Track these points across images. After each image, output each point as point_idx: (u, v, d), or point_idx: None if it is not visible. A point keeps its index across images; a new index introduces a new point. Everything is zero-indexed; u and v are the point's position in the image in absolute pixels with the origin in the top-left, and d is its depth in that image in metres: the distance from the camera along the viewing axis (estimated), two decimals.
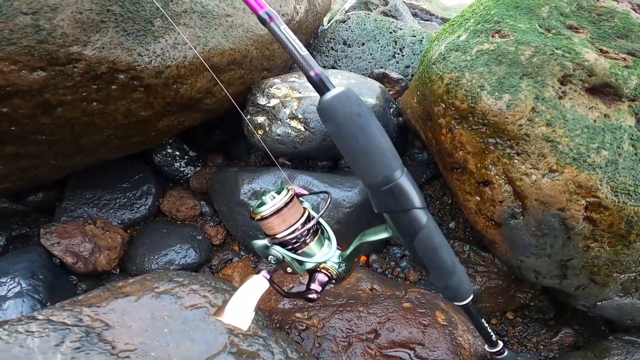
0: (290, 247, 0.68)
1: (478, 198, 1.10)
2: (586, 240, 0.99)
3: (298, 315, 1.02)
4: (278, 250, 0.67)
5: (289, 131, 1.26)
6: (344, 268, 0.72)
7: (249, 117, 1.32)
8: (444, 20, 3.83)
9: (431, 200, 1.53)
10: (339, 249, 0.73)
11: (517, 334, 1.31)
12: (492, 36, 1.09)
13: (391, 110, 1.46)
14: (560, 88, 1.00)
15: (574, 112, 0.97)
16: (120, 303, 0.77)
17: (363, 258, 1.38)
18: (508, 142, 1.00)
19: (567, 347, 1.26)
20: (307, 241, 0.69)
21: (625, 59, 1.04)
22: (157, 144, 1.47)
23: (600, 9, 1.13)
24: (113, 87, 0.97)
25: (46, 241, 1.18)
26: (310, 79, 0.58)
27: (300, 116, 1.26)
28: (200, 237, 1.37)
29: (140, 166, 1.46)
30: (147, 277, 0.86)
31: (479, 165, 1.06)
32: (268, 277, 0.64)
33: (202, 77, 1.14)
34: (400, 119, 1.49)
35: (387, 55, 1.89)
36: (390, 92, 1.61)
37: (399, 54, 1.90)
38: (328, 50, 1.91)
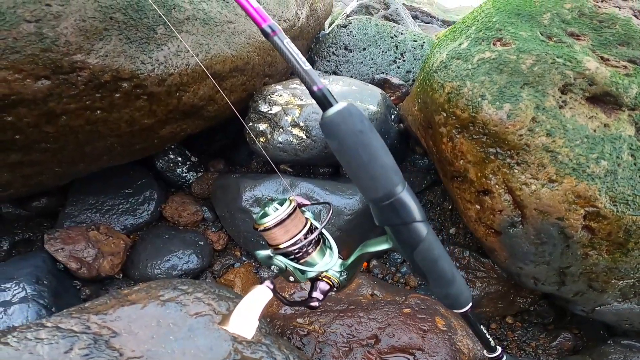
0: (292, 256, 0.69)
1: (478, 207, 1.11)
2: (584, 248, 1.00)
3: (299, 320, 1.03)
4: (281, 260, 0.68)
5: (291, 139, 1.26)
6: (345, 276, 0.73)
7: (250, 124, 1.33)
8: (445, 22, 3.82)
9: (432, 206, 1.53)
10: (340, 258, 0.74)
11: (516, 338, 1.32)
12: (494, 44, 1.09)
13: (392, 116, 1.46)
14: (560, 97, 1.00)
15: (574, 122, 0.98)
16: (127, 311, 0.78)
17: (364, 264, 1.39)
18: (508, 152, 1.01)
19: (566, 351, 1.27)
20: (310, 251, 0.70)
21: (626, 67, 1.04)
22: (160, 150, 1.48)
23: (602, 15, 1.12)
24: (116, 95, 0.98)
25: (50, 247, 1.19)
26: (313, 94, 0.59)
27: (302, 124, 1.26)
28: (202, 243, 1.38)
29: (142, 172, 1.47)
30: (152, 285, 0.87)
31: (479, 174, 1.07)
32: (271, 287, 0.65)
33: (205, 84, 1.15)
34: (401, 125, 1.49)
35: (388, 60, 1.89)
36: (392, 98, 1.62)
37: (400, 59, 1.90)
38: (329, 55, 1.91)
